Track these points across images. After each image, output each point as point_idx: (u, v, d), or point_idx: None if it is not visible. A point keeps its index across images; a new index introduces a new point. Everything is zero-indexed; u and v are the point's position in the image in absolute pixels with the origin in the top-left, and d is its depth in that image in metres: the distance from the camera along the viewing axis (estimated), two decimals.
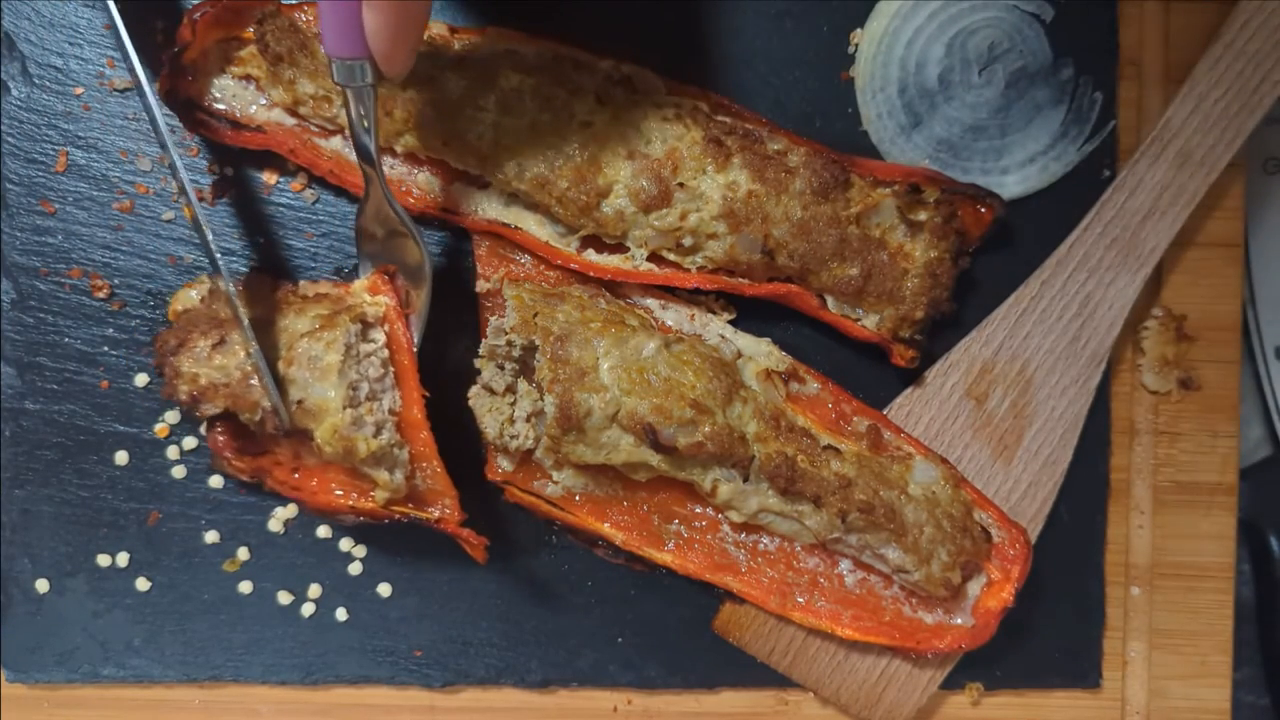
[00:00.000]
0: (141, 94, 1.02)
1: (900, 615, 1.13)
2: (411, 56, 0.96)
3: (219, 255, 1.04)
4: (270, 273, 1.14)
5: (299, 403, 1.03)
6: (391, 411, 1.05)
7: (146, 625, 1.17)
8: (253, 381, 1.03)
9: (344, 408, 1.02)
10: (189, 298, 1.10)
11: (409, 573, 1.18)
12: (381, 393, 1.05)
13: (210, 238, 1.04)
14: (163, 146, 1.03)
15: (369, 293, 1.08)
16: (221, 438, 1.09)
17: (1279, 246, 1.25)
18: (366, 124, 1.01)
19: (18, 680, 1.17)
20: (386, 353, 1.06)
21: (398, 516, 1.05)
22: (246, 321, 1.02)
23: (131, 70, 1.02)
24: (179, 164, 1.03)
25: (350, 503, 1.07)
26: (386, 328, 1.07)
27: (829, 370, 1.15)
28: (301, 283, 1.13)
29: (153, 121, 1.03)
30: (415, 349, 1.08)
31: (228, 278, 1.04)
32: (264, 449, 1.09)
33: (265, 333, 1.04)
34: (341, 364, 1.02)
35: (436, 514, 1.06)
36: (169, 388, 1.05)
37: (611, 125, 1.06)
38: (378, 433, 1.03)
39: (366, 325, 1.06)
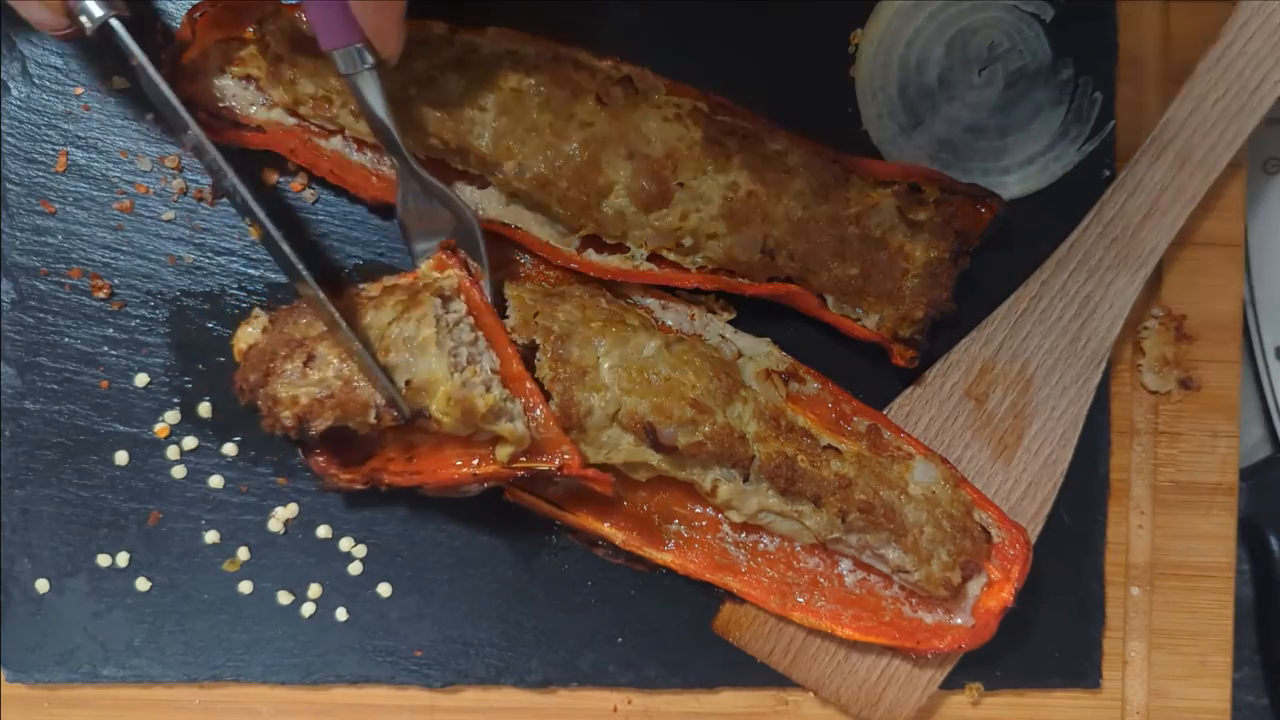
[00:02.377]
0: (201, 148, 1.03)
1: (900, 615, 1.13)
2: (402, 29, 0.99)
3: (299, 265, 1.03)
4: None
5: (407, 384, 1.02)
6: (493, 370, 1.05)
7: (146, 625, 1.17)
8: (356, 384, 1.03)
9: (451, 374, 1.02)
10: (250, 335, 1.09)
11: (409, 573, 1.18)
12: (479, 355, 1.04)
13: (288, 250, 1.03)
14: (214, 173, 1.04)
15: (437, 270, 1.08)
16: (323, 459, 1.09)
17: (1279, 246, 1.25)
18: (382, 109, 1.01)
19: (18, 680, 1.17)
20: (472, 319, 1.06)
21: (521, 471, 1.04)
22: (344, 322, 1.02)
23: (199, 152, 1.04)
24: (245, 193, 1.03)
25: (473, 470, 1.06)
26: (463, 297, 1.07)
27: (829, 370, 1.15)
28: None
29: (215, 170, 1.04)
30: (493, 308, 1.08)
31: (314, 283, 1.03)
32: (370, 452, 1.09)
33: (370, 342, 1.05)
34: (437, 335, 1.02)
35: (558, 462, 1.05)
36: (270, 420, 1.04)
37: (611, 125, 1.06)
38: (488, 390, 1.03)
39: (445, 299, 1.06)
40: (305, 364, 1.04)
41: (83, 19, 1.00)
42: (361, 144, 1.12)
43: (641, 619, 1.18)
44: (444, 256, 1.08)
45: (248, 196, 1.03)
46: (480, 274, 1.10)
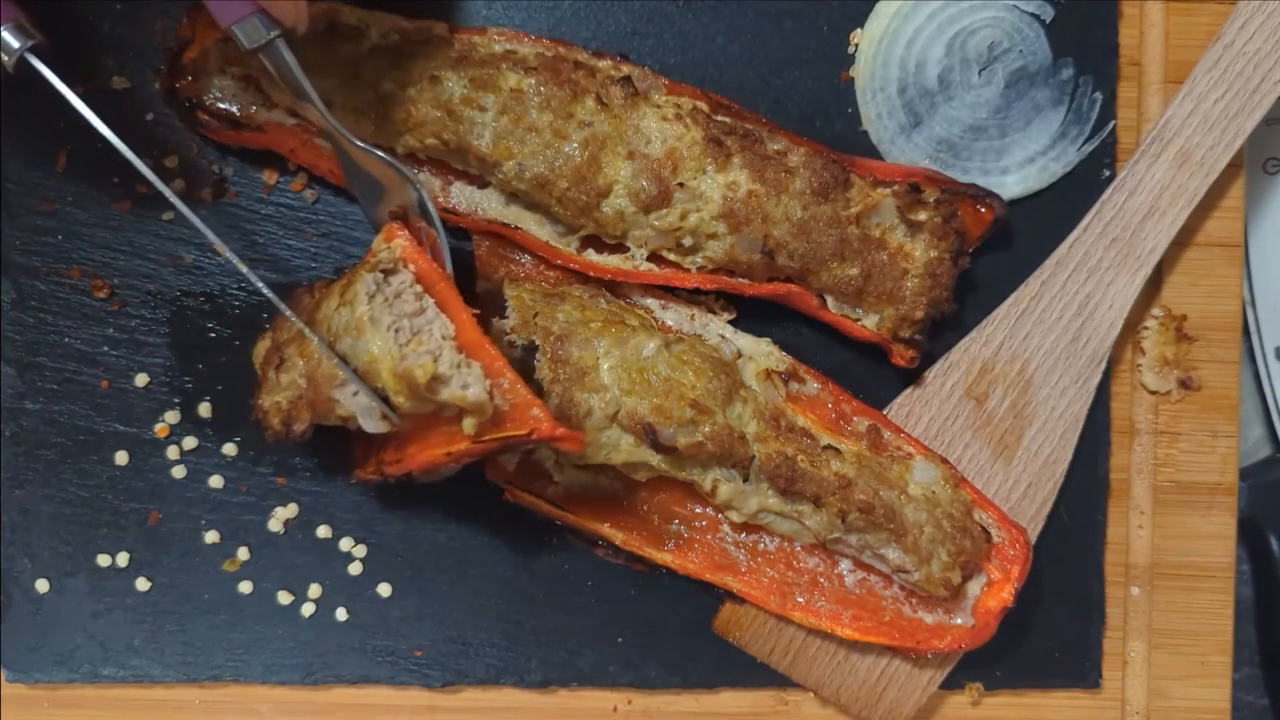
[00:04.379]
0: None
1: (900, 615, 1.13)
2: None
3: (279, 302, 1.02)
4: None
5: (356, 371, 1.00)
6: (445, 337, 1.00)
7: (146, 625, 1.17)
8: (319, 380, 1.01)
9: (393, 349, 0.98)
10: (264, 348, 1.09)
11: (409, 573, 1.18)
12: (427, 324, 1.00)
13: (259, 284, 1.01)
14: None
15: (387, 241, 1.05)
16: (360, 453, 1.09)
17: (1279, 246, 1.25)
18: (302, 79, 0.99)
19: (18, 680, 1.17)
20: (418, 287, 1.02)
21: (493, 444, 0.99)
22: (297, 319, 1.00)
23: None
24: (190, 213, 1.01)
25: (446, 450, 1.01)
26: (410, 266, 1.03)
27: (829, 370, 1.15)
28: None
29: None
30: (449, 273, 1.04)
31: (279, 300, 1.02)
32: (383, 444, 1.07)
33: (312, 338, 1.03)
34: (370, 313, 0.99)
35: (529, 427, 0.99)
36: (269, 433, 1.04)
37: (611, 125, 1.06)
38: (434, 360, 0.98)
39: (386, 272, 1.02)
40: (278, 369, 1.03)
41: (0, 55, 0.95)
42: None
43: (641, 619, 1.18)
44: (393, 228, 1.05)
45: (191, 214, 1.00)
46: (434, 236, 1.06)
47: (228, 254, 1.00)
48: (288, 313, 1.02)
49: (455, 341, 1.00)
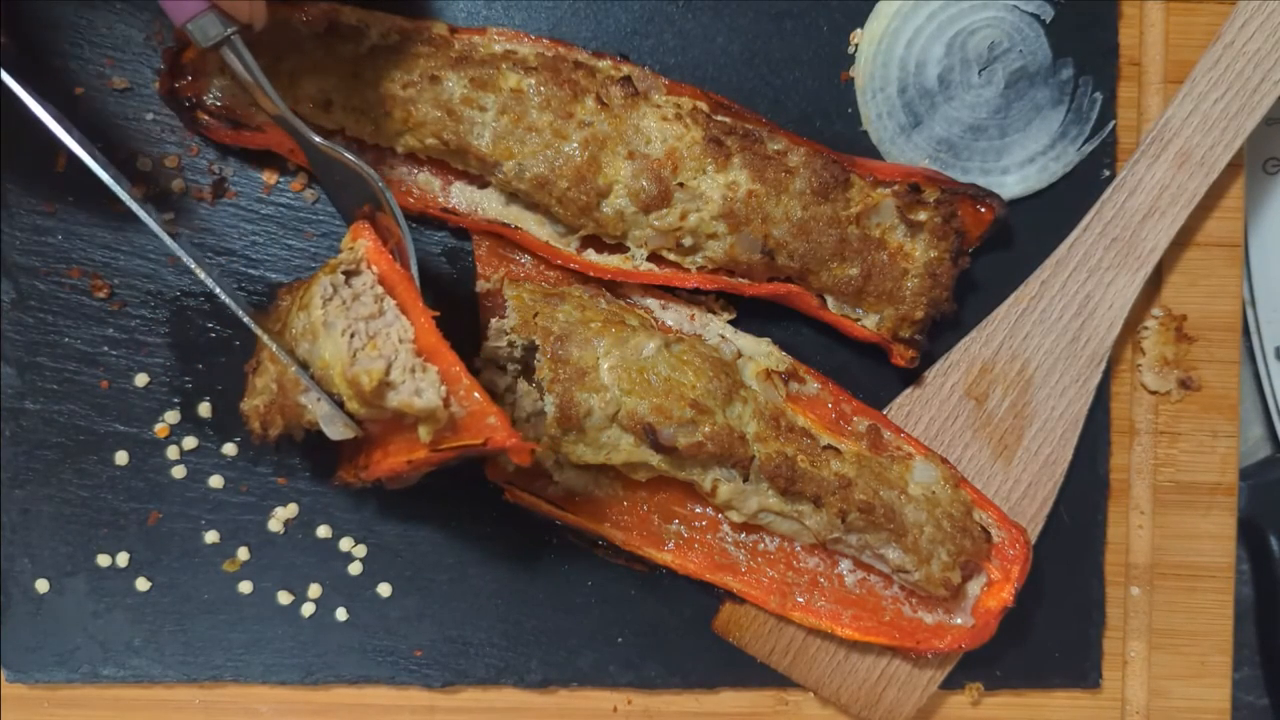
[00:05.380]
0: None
1: (900, 615, 1.13)
2: None
3: (238, 309, 1.01)
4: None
5: (312, 377, 0.99)
6: (403, 340, 0.97)
7: (146, 625, 1.17)
8: (287, 386, 1.01)
9: (344, 355, 0.96)
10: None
11: (409, 573, 1.18)
12: (385, 327, 0.98)
13: (236, 308, 1.00)
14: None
15: (352, 241, 1.03)
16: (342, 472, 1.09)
17: (1279, 246, 1.25)
18: (260, 78, 0.98)
19: (18, 680, 1.17)
20: (379, 289, 1.00)
21: (449, 453, 0.97)
22: (254, 323, 0.99)
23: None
24: (227, 298, 1.00)
25: (406, 458, 1.00)
26: (375, 268, 1.01)
27: (829, 370, 1.15)
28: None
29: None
30: (413, 273, 1.02)
31: (237, 306, 1.00)
32: (357, 449, 1.07)
33: (285, 343, 1.02)
34: (324, 317, 0.97)
35: (483, 437, 0.96)
36: (254, 437, 1.04)
37: (611, 125, 1.06)
38: (389, 365, 0.96)
39: (350, 274, 1.01)
40: (254, 373, 1.03)
41: None
42: (362, 144, 1.12)
43: (641, 619, 1.18)
44: (360, 227, 1.03)
45: (137, 207, 0.99)
46: (400, 234, 1.04)
47: (169, 241, 0.99)
48: (243, 316, 1.01)
49: (413, 345, 0.97)
